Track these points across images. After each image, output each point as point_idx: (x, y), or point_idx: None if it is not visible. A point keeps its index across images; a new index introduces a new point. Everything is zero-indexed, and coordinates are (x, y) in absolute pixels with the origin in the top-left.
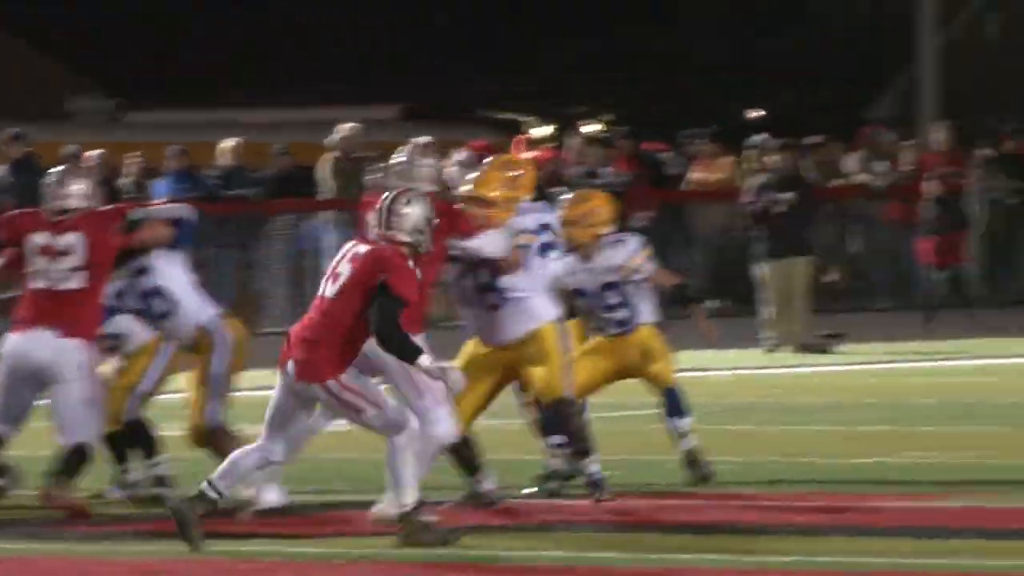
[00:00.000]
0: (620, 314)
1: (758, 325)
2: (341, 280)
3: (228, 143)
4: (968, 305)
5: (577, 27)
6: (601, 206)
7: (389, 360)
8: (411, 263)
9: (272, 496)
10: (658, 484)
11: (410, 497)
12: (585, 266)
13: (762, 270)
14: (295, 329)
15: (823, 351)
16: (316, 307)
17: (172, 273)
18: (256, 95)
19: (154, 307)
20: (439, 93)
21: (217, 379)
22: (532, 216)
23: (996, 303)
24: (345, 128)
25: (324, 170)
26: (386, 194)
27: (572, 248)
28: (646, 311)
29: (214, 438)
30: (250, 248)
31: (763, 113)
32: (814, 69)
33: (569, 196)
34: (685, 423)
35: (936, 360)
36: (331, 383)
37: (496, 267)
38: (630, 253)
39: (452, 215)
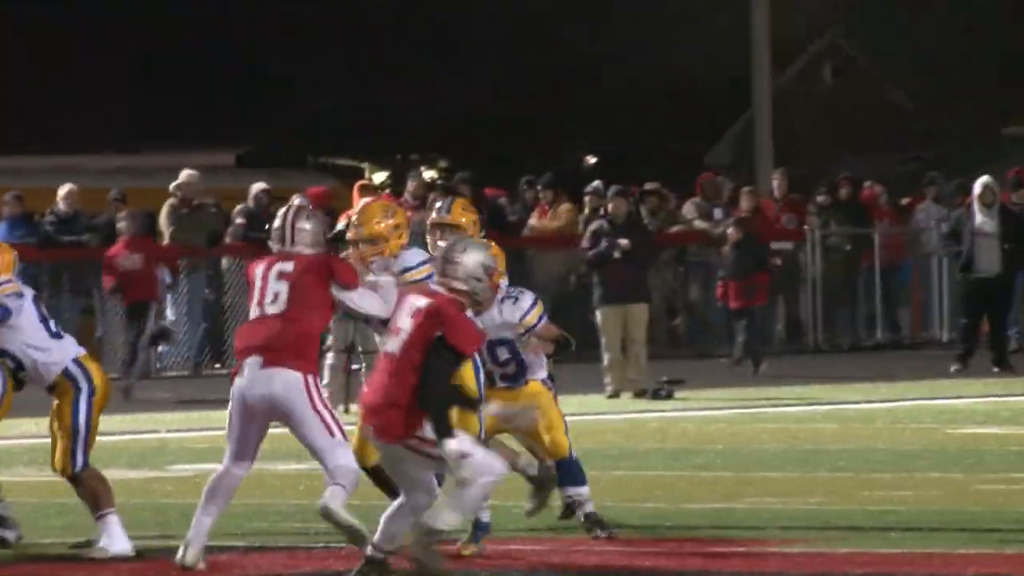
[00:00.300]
0: (510, 369)
1: (602, 371)
2: (402, 336)
3: (65, 188)
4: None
5: (413, 71)
6: (499, 255)
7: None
8: (468, 312)
9: (121, 544)
10: (504, 529)
11: (448, 523)
12: (477, 319)
13: (600, 316)
14: (366, 395)
15: (664, 397)
16: (382, 367)
17: (16, 331)
18: (94, 140)
19: (9, 363)
20: (275, 139)
21: (83, 422)
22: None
23: (832, 349)
24: (184, 174)
25: (162, 216)
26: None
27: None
28: (536, 365)
29: (79, 481)
30: (89, 294)
31: (597, 159)
32: (653, 115)
33: None
34: (583, 492)
35: (776, 406)
36: (410, 441)
37: (382, 324)
38: (525, 311)
39: (332, 266)
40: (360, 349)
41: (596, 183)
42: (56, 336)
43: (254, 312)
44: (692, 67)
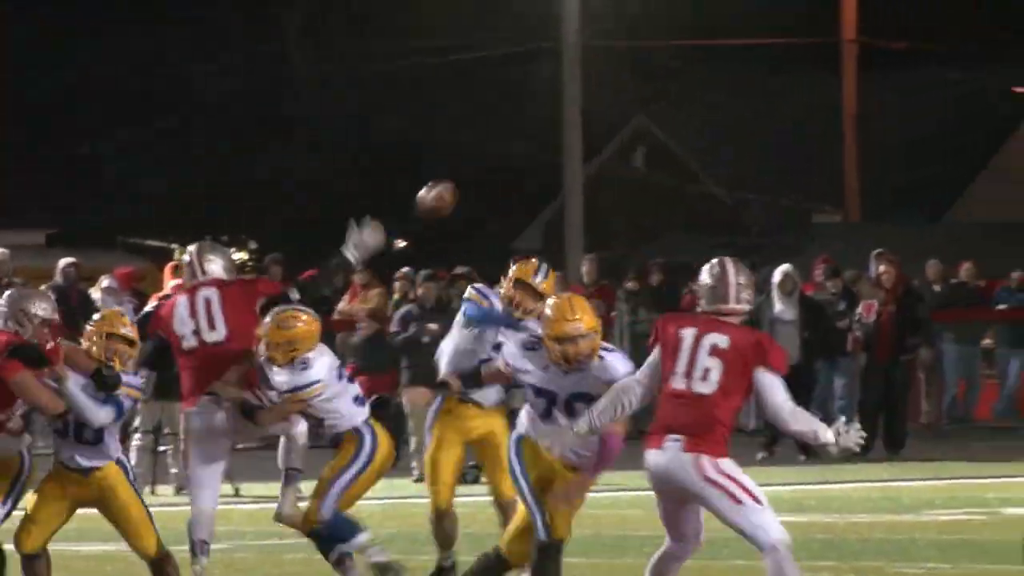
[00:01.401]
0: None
1: (409, 455)
2: None
3: None
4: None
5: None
6: (593, 318)
7: None
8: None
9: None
10: None
11: None
12: (565, 372)
13: (407, 400)
14: None
15: (471, 481)
16: None
17: None
18: None
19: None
20: (84, 219)
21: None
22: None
23: (639, 435)
24: None
25: None
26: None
27: (564, 362)
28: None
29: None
30: None
31: (407, 243)
32: (465, 199)
33: (549, 309)
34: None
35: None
36: None
37: None
38: (626, 370)
39: (766, 349)
40: (167, 430)
41: (406, 268)
42: None
43: (678, 384)
44: (505, 151)
